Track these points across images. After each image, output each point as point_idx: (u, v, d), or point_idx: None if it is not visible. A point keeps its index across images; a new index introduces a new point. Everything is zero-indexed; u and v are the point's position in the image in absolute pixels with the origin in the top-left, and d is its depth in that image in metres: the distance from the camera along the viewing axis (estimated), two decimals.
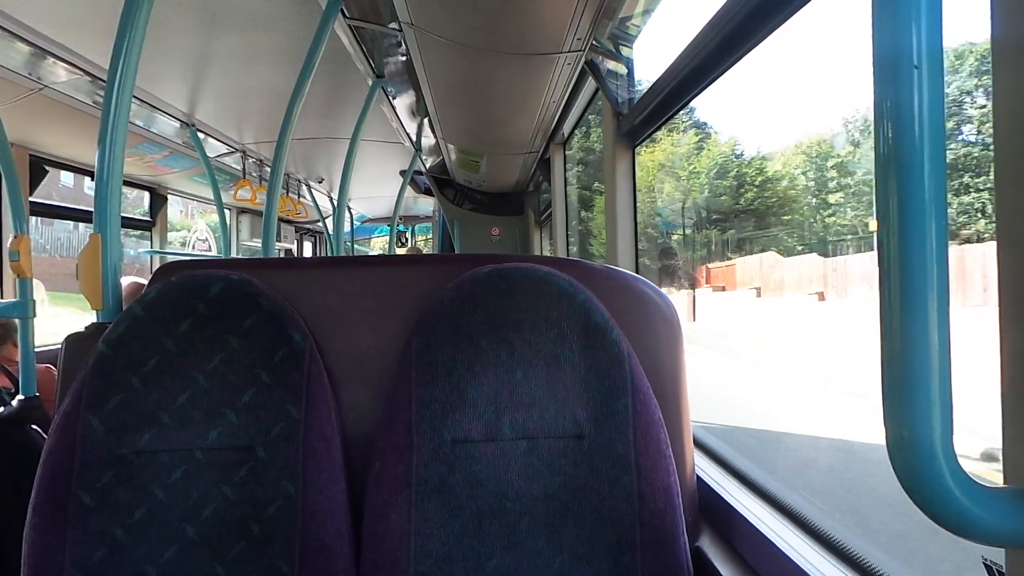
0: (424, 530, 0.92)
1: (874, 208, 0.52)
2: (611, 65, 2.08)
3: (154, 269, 4.46)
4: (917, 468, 0.50)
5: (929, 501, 0.50)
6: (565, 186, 3.72)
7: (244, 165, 4.43)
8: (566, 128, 3.31)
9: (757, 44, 1.12)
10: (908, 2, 0.48)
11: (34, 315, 2.15)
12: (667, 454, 0.97)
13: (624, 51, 2.02)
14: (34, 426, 1.96)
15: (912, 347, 0.49)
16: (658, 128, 1.80)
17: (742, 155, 20.65)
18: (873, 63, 0.51)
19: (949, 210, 0.51)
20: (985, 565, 0.65)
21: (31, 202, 3.11)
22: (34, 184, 3.18)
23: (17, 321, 2.16)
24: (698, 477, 1.16)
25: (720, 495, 1.13)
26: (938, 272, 0.49)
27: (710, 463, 1.32)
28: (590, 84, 2.45)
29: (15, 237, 2.14)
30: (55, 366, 2.53)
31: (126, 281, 2.71)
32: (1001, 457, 0.56)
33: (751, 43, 1.13)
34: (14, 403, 2.04)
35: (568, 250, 3.86)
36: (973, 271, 7.59)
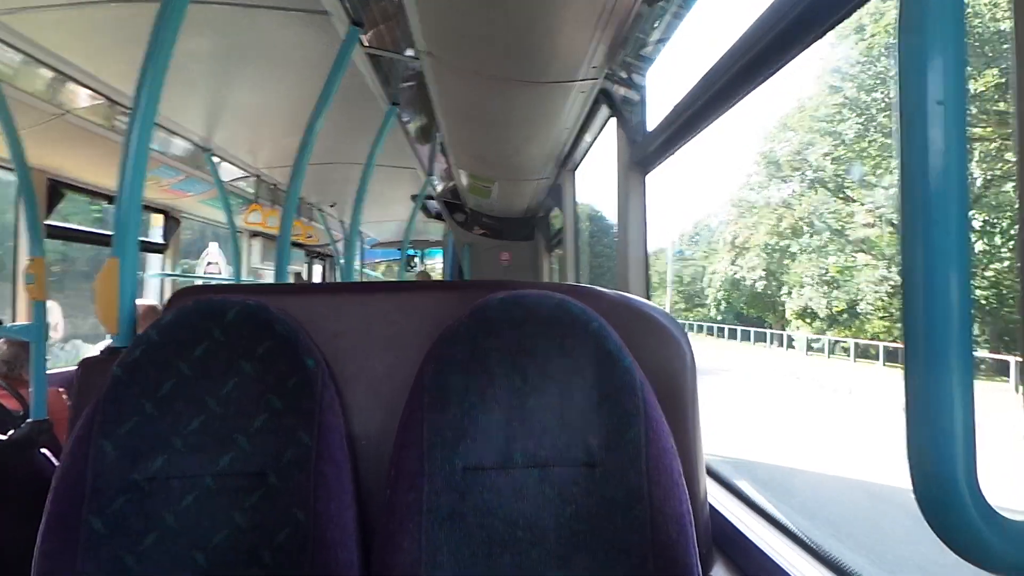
0: (435, 559, 0.90)
1: (899, 245, 0.52)
2: (625, 93, 2.09)
3: (164, 292, 4.45)
4: (941, 501, 0.49)
5: (953, 534, 0.50)
6: (576, 213, 3.73)
7: (257, 189, 4.47)
8: (578, 155, 3.33)
9: (774, 72, 1.13)
10: (933, 38, 0.49)
11: (47, 338, 2.15)
12: (679, 483, 0.96)
13: (638, 79, 2.04)
14: (44, 450, 1.96)
15: (935, 380, 0.49)
16: (670, 155, 1.80)
17: None
18: (898, 99, 0.51)
19: None
20: None
21: (47, 225, 3.15)
22: (51, 207, 3.22)
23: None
24: (711, 507, 1.15)
25: (734, 525, 1.11)
26: (961, 306, 0.49)
27: (725, 493, 1.30)
28: (603, 111, 2.46)
29: (31, 260, 2.16)
30: (66, 390, 2.54)
31: (139, 303, 2.72)
32: None
33: (768, 72, 1.14)
34: (24, 426, 2.04)
35: (579, 276, 3.86)
36: None
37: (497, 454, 0.95)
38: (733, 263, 34.74)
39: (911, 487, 0.51)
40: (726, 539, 1.11)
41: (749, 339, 31.26)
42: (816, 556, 0.98)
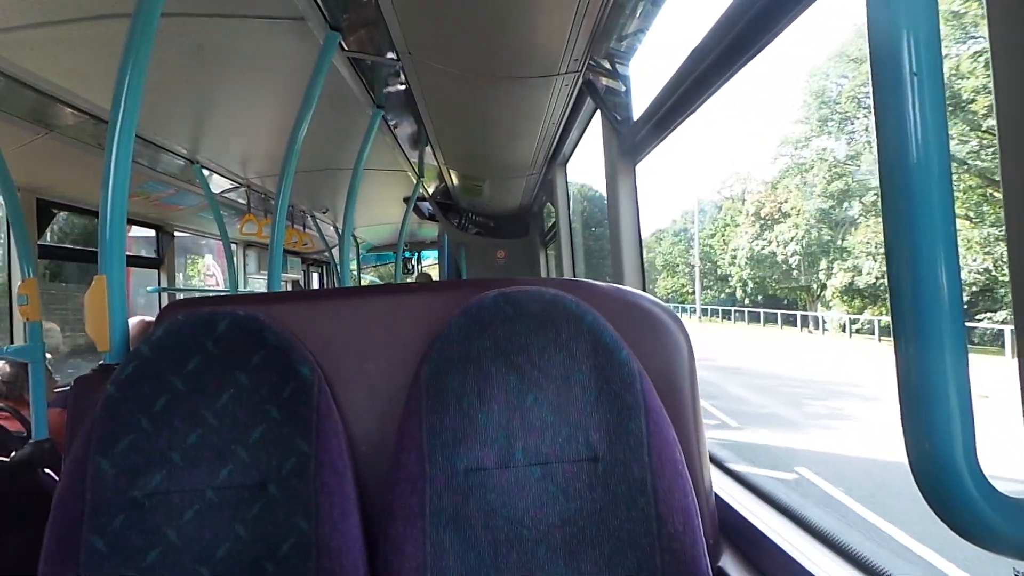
0: (440, 562, 0.90)
1: (881, 219, 0.51)
2: (609, 84, 2.09)
3: (161, 306, 4.45)
4: (940, 480, 0.49)
5: (953, 513, 0.49)
6: (569, 206, 3.72)
7: (249, 199, 4.46)
8: (567, 148, 3.33)
9: (759, 51, 1.12)
10: (903, 8, 0.48)
11: (44, 359, 2.15)
12: (683, 474, 0.95)
13: (621, 69, 2.03)
14: (47, 470, 1.95)
15: (928, 356, 0.48)
16: (659, 143, 1.80)
17: None
18: (871, 71, 0.50)
19: None
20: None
21: (40, 245, 3.14)
22: (42, 227, 3.21)
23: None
24: (717, 496, 1.14)
25: (741, 514, 1.10)
26: (950, 281, 0.48)
27: (730, 481, 1.29)
28: (590, 103, 2.46)
29: (23, 281, 2.15)
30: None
31: (133, 320, 2.72)
32: None
33: (753, 50, 1.13)
34: (26, 447, 2.03)
35: (574, 270, 3.85)
36: None
37: (498, 453, 0.94)
38: (758, 237, 31.43)
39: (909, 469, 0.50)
40: (733, 528, 1.11)
41: (758, 321, 28.80)
42: (825, 542, 0.97)
